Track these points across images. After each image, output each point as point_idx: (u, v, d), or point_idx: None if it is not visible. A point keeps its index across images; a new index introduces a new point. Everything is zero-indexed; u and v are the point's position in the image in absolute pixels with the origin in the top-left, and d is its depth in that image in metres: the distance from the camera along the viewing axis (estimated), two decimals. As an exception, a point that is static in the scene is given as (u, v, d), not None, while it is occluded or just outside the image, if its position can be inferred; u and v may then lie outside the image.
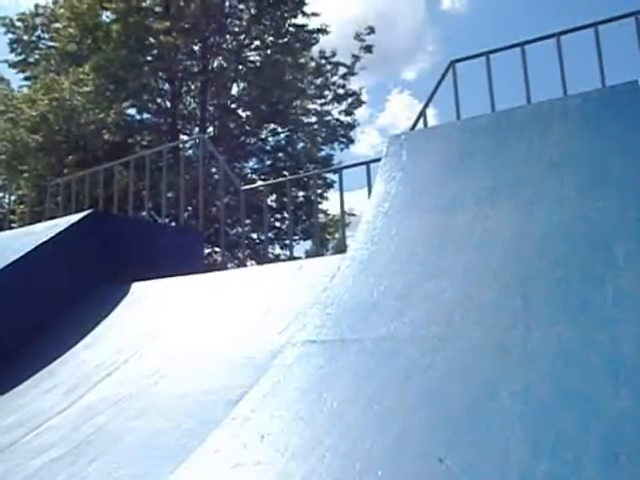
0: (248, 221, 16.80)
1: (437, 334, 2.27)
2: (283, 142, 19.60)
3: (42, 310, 4.57)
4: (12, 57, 18.99)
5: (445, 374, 2.07)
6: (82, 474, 2.52)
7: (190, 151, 14.90)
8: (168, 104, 17.95)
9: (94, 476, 2.49)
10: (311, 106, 19.76)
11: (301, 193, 18.01)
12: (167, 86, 18.00)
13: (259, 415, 2.20)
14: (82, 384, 3.52)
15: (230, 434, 2.17)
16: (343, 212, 6.80)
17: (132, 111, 17.53)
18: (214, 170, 13.71)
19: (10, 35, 18.79)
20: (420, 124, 6.29)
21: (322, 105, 19.73)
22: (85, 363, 3.83)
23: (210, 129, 18.40)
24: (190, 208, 13.03)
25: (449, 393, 1.99)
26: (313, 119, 19.77)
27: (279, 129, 19.34)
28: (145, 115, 17.68)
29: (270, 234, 17.69)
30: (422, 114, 6.33)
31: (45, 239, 4.99)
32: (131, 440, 2.74)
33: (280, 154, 19.56)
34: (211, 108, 18.72)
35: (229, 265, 14.79)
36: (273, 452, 1.96)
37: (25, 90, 18.05)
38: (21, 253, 4.82)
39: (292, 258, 8.61)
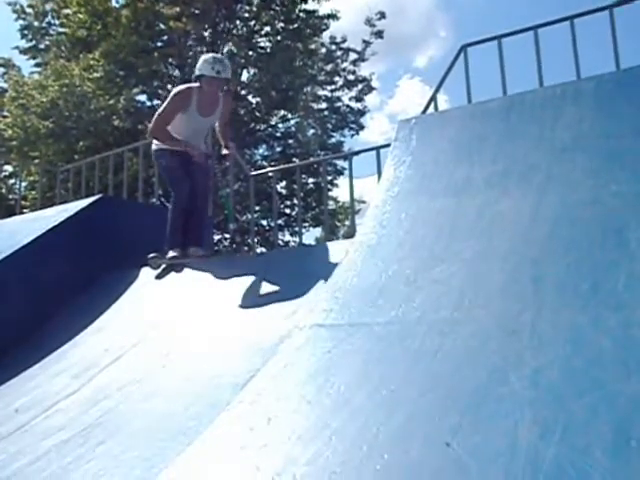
0: (258, 208, 16.80)
1: (446, 318, 2.25)
2: (293, 129, 19.53)
3: (52, 294, 4.59)
4: (23, 43, 19.01)
5: (454, 358, 2.05)
6: (90, 456, 2.53)
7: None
8: (178, 90, 17.91)
9: (103, 458, 2.50)
10: (321, 92, 19.66)
11: (311, 180, 17.97)
12: (177, 72, 17.93)
13: (266, 398, 2.19)
14: (91, 368, 3.53)
15: (237, 417, 2.16)
16: (353, 199, 6.75)
17: (142, 97, 17.51)
18: (224, 156, 13.66)
19: (21, 21, 18.78)
20: (431, 109, 6.23)
21: (332, 91, 19.62)
22: (94, 347, 3.85)
23: (220, 115, 18.32)
24: (200, 194, 13.01)
25: (457, 377, 1.97)
26: (323, 105, 19.68)
27: (289, 115, 19.26)
28: (155, 101, 17.61)
29: (280, 221, 17.68)
30: (433, 99, 6.26)
31: (55, 223, 5.00)
32: (139, 423, 2.75)
33: (290, 141, 19.49)
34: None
35: (238, 252, 14.80)
36: (279, 435, 1.95)
37: (36, 76, 18.05)
38: (32, 237, 4.84)
39: (302, 245, 8.59)
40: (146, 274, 4.61)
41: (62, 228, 4.95)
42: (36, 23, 18.89)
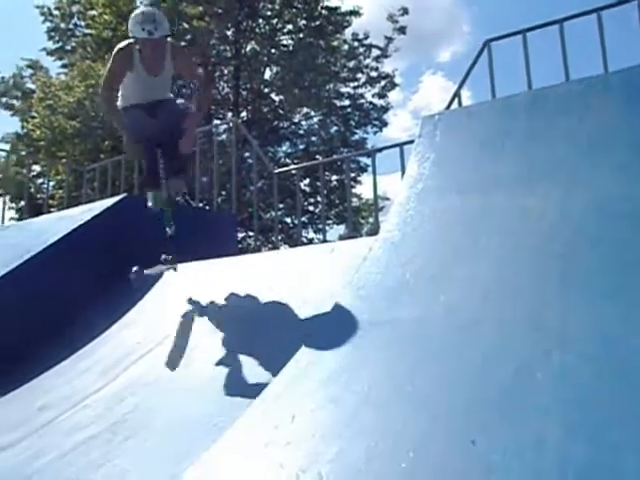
0: (281, 205, 16.84)
1: (471, 315, 2.23)
2: (316, 126, 19.53)
3: (79, 291, 4.65)
4: (50, 45, 19.34)
5: (479, 356, 2.03)
6: (117, 452, 2.56)
7: (224, 135, 14.95)
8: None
9: (130, 454, 2.53)
10: (344, 89, 19.64)
11: (334, 177, 17.96)
12: (200, 71, 18.07)
13: (290, 395, 2.19)
14: (117, 365, 3.57)
15: (261, 414, 2.17)
16: (376, 196, 6.75)
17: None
18: (247, 154, 13.73)
19: (48, 23, 19.09)
20: (454, 105, 6.18)
21: (355, 88, 19.59)
22: (120, 344, 3.89)
23: (243, 113, 18.43)
24: (223, 192, 13.09)
25: (483, 375, 1.95)
26: (346, 102, 19.65)
27: (312, 113, 19.27)
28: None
29: (303, 218, 17.71)
30: (457, 95, 6.21)
31: (81, 222, 5.07)
32: (165, 419, 2.78)
33: (313, 138, 19.51)
34: (244, 92, 18.73)
35: (262, 249, 14.86)
36: (304, 432, 1.95)
37: (62, 77, 18.32)
38: (59, 236, 4.91)
39: (325, 242, 8.59)
40: (171, 272, 4.65)
41: (88, 227, 5.01)
42: (63, 25, 19.17)
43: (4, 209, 9.04)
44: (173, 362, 3.38)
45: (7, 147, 17.82)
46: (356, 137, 19.55)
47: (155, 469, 2.35)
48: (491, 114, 3.56)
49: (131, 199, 5.56)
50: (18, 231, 6.33)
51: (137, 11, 3.88)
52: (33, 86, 19.99)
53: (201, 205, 9.78)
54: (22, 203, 14.94)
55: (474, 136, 3.39)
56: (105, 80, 4.02)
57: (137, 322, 4.18)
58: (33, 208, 12.08)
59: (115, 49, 3.93)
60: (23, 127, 19.24)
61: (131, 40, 3.85)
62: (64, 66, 19.13)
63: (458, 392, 1.91)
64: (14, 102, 21.68)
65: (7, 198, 16.18)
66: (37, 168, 17.28)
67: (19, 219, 13.80)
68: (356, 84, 19.53)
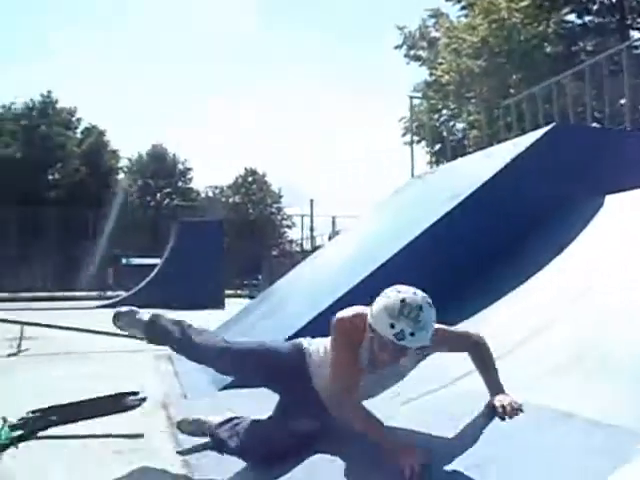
0: None
1: None
2: None
3: (511, 229, 4.61)
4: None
5: None
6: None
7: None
8: (614, -1, 16.09)
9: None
10: None
11: None
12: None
13: None
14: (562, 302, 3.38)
15: None
16: None
17: (571, 17, 16.36)
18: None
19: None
20: None
21: None
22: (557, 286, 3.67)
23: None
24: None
25: None
26: None
27: None
28: (587, 18, 16.26)
29: None
30: None
31: (508, 160, 5.00)
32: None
33: None
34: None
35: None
36: None
37: (463, 19, 18.64)
38: (486, 176, 4.94)
39: None
40: (612, 203, 4.22)
41: (516, 163, 4.91)
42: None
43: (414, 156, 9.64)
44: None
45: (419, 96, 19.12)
46: None
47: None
48: None
49: (558, 129, 5.23)
50: (447, 173, 6.65)
51: (393, 297, 2.21)
52: (437, 34, 20.90)
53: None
54: (437, 147, 15.96)
55: None
56: (340, 385, 2.38)
57: (574, 260, 3.89)
58: (448, 151, 12.70)
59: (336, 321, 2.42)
60: (431, 74, 20.38)
61: (358, 312, 2.39)
62: (463, 8, 19.41)
63: None
64: (421, 53, 23.12)
65: (424, 144, 17.54)
66: (446, 112, 18.18)
67: (435, 163, 14.79)
68: None
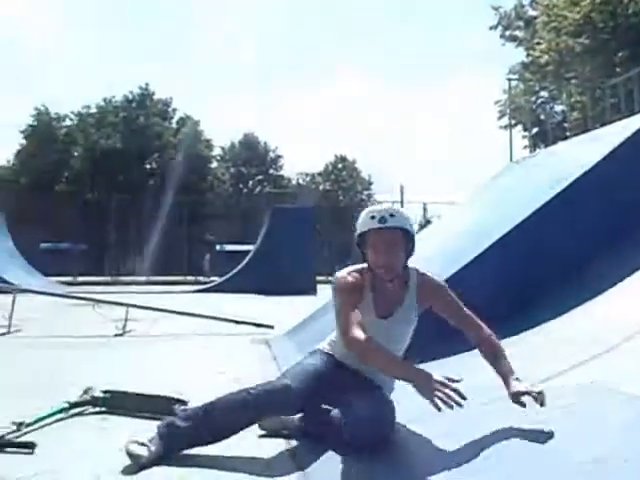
0: None
1: None
2: None
3: (619, 218, 4.36)
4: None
5: None
6: None
7: None
8: None
9: None
10: None
11: None
12: None
13: None
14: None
15: None
16: None
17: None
18: None
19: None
20: None
21: None
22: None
23: None
24: None
25: None
26: None
27: None
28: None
29: None
30: None
31: (617, 143, 4.71)
32: None
33: None
34: None
35: None
36: None
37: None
38: (593, 162, 4.68)
39: None
40: None
41: (627, 146, 4.62)
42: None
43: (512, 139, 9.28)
44: None
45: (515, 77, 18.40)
46: None
47: None
48: None
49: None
50: (548, 158, 6.38)
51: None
52: (534, 12, 20.00)
53: None
54: (534, 130, 15.32)
55: None
56: (341, 325, 2.47)
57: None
58: (544, 134, 12.17)
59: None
60: (528, 55, 19.56)
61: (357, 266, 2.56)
62: (564, -17, 18.45)
63: None
64: (517, 33, 22.25)
65: (520, 127, 16.92)
66: (544, 94, 17.41)
67: (533, 147, 14.20)
68: None
